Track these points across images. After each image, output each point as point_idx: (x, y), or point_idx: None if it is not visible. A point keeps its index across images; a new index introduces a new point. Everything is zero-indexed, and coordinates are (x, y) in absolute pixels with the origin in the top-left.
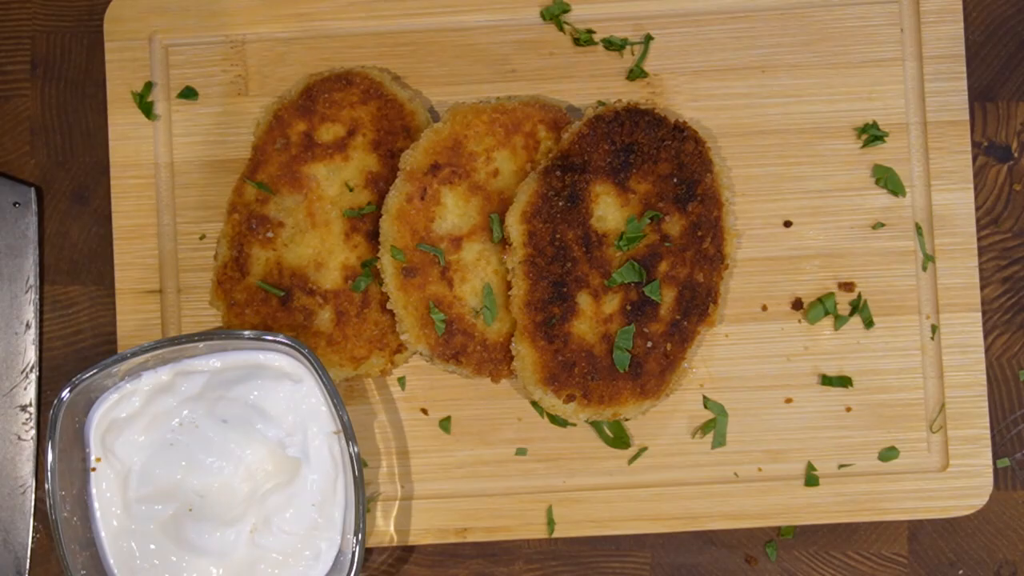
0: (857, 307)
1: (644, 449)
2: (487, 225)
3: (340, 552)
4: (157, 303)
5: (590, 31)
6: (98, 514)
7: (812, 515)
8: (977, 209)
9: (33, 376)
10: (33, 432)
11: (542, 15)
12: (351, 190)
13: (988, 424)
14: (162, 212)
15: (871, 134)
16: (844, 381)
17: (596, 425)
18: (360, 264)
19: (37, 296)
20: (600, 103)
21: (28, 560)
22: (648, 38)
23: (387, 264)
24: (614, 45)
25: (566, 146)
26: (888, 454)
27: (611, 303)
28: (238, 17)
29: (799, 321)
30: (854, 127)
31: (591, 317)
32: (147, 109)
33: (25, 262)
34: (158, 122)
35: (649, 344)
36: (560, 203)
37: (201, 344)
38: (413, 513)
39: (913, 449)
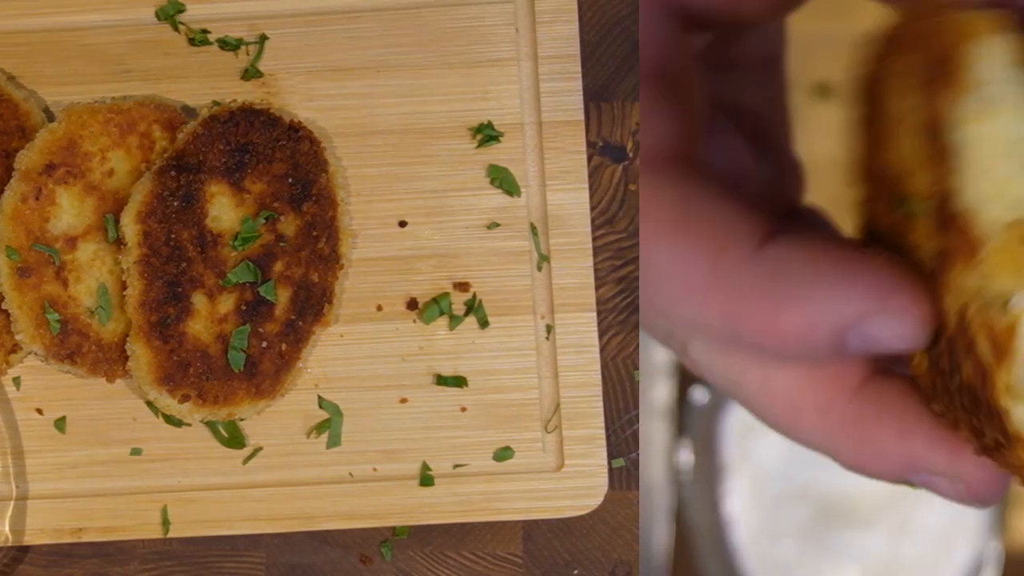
0: (472, 307)
1: (259, 449)
2: (103, 225)
3: None
4: None
5: (205, 31)
6: None
7: (427, 515)
8: (592, 209)
9: None
10: None
11: (157, 15)
12: None
13: (603, 424)
14: None
15: (486, 134)
16: (459, 381)
17: (211, 425)
18: None
19: None
20: (215, 103)
21: None
22: (263, 38)
23: (2, 264)
24: (229, 45)
25: (181, 146)
26: (503, 454)
27: (226, 303)
28: None
29: (414, 321)
30: (469, 127)
31: (206, 317)
32: None
33: None
34: None
35: (264, 344)
36: (175, 203)
37: None
38: (28, 513)
39: (528, 449)
